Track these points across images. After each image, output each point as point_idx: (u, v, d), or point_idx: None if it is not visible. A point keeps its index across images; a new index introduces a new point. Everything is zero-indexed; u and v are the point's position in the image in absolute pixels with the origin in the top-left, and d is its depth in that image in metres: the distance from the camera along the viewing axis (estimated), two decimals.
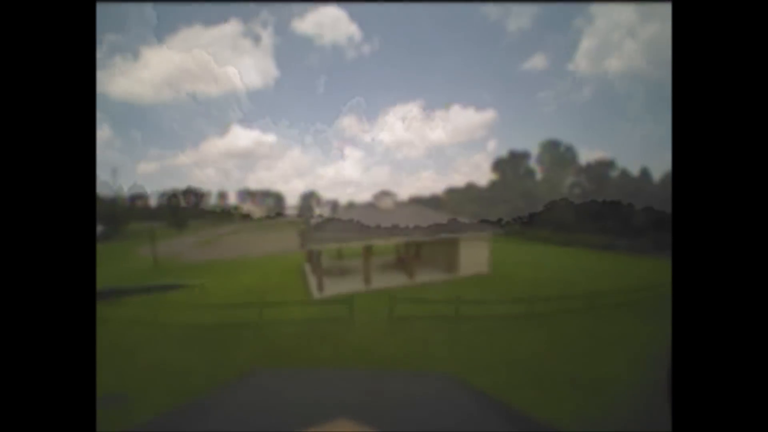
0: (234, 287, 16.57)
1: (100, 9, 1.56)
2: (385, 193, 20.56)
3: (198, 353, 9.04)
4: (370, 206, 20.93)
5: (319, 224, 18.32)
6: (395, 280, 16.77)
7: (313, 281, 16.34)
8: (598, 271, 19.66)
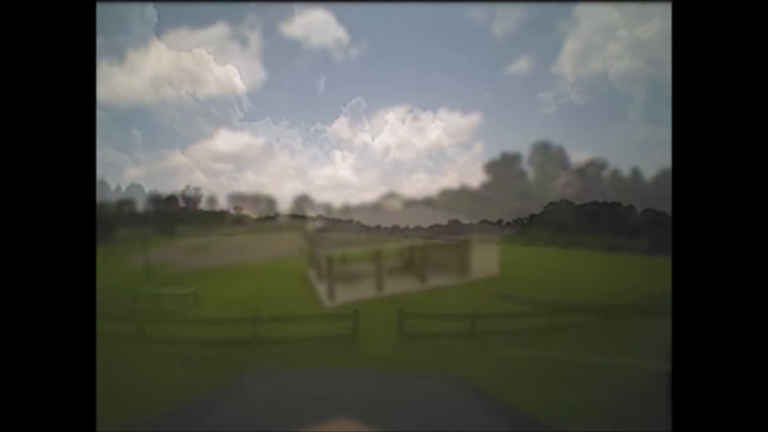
0: (233, 296, 14.71)
1: (100, 9, 1.56)
2: (391, 195, 20.27)
3: (181, 376, 7.06)
4: (377, 208, 20.64)
5: (320, 228, 18.00)
6: (406, 284, 15.95)
7: (321, 288, 15.37)
8: (612, 272, 19.16)
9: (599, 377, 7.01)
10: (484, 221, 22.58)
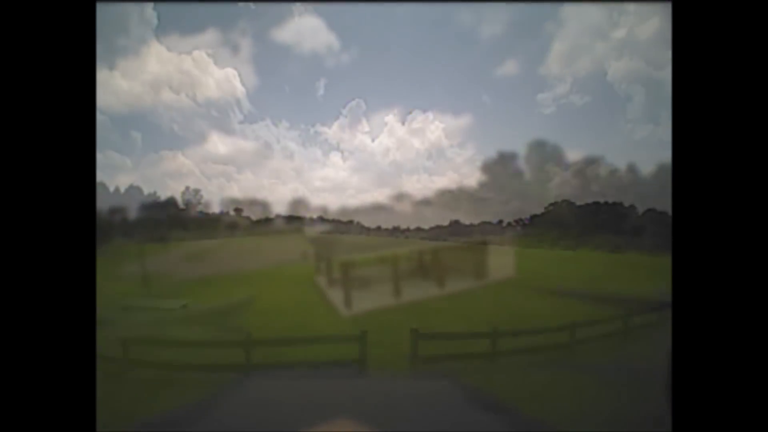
0: (241, 306, 13.14)
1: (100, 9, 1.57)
2: (402, 195, 19.45)
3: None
4: (386, 209, 19.97)
5: (324, 231, 17.39)
6: (424, 290, 14.54)
7: (335, 296, 13.99)
8: (625, 272, 18.48)
9: None
10: (485, 222, 22.42)
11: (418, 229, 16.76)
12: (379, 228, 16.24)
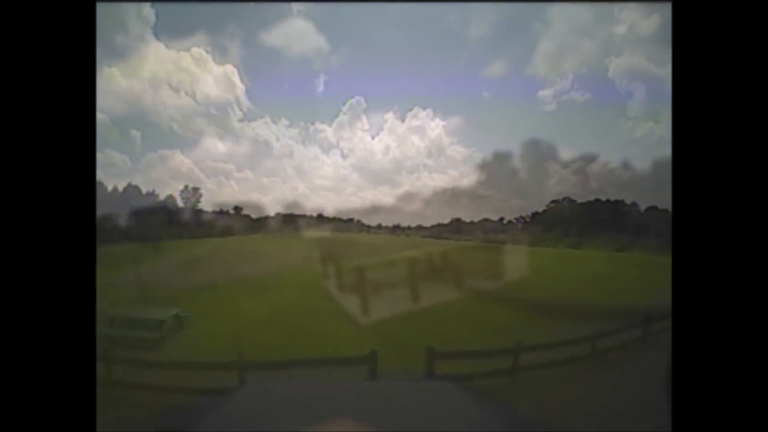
0: (248, 316, 12.09)
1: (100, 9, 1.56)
2: (402, 193, 19.07)
3: None
4: (386, 207, 19.74)
5: (328, 232, 17.10)
6: (441, 293, 13.73)
7: (349, 303, 13.07)
8: (634, 272, 18.07)
9: None
10: (486, 219, 22.39)
11: (419, 227, 16.79)
12: (379, 226, 16.28)
